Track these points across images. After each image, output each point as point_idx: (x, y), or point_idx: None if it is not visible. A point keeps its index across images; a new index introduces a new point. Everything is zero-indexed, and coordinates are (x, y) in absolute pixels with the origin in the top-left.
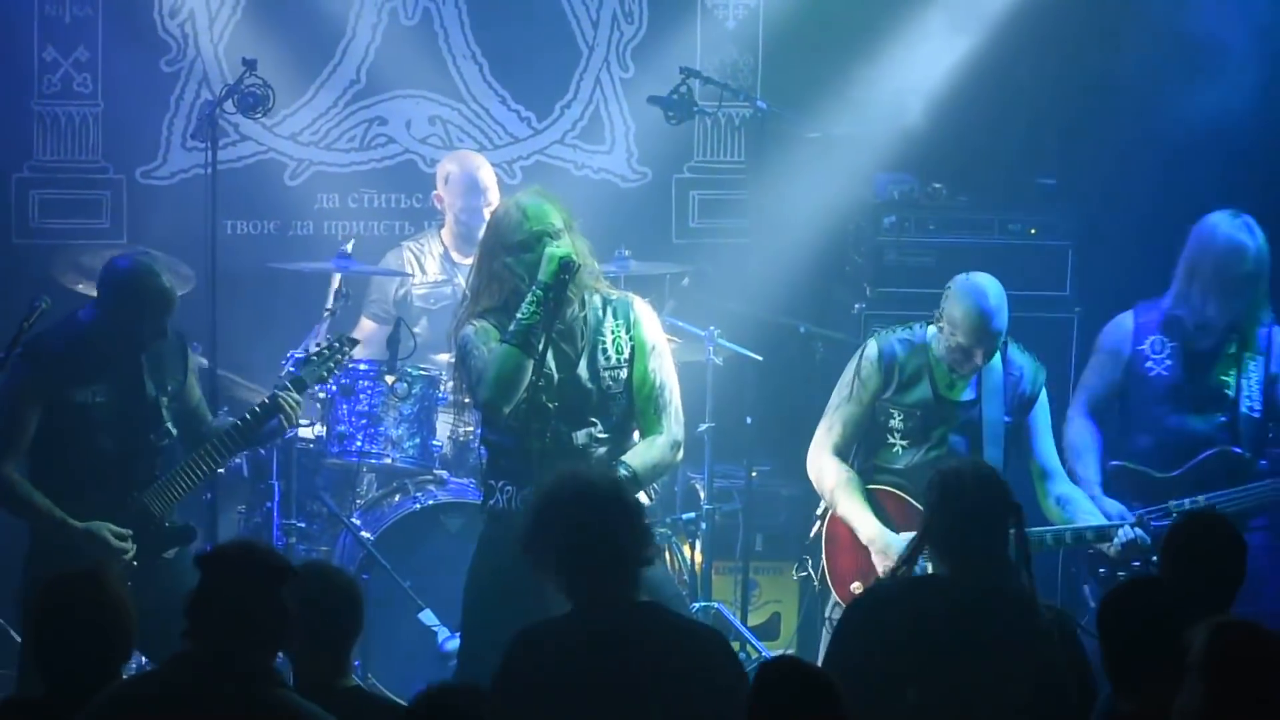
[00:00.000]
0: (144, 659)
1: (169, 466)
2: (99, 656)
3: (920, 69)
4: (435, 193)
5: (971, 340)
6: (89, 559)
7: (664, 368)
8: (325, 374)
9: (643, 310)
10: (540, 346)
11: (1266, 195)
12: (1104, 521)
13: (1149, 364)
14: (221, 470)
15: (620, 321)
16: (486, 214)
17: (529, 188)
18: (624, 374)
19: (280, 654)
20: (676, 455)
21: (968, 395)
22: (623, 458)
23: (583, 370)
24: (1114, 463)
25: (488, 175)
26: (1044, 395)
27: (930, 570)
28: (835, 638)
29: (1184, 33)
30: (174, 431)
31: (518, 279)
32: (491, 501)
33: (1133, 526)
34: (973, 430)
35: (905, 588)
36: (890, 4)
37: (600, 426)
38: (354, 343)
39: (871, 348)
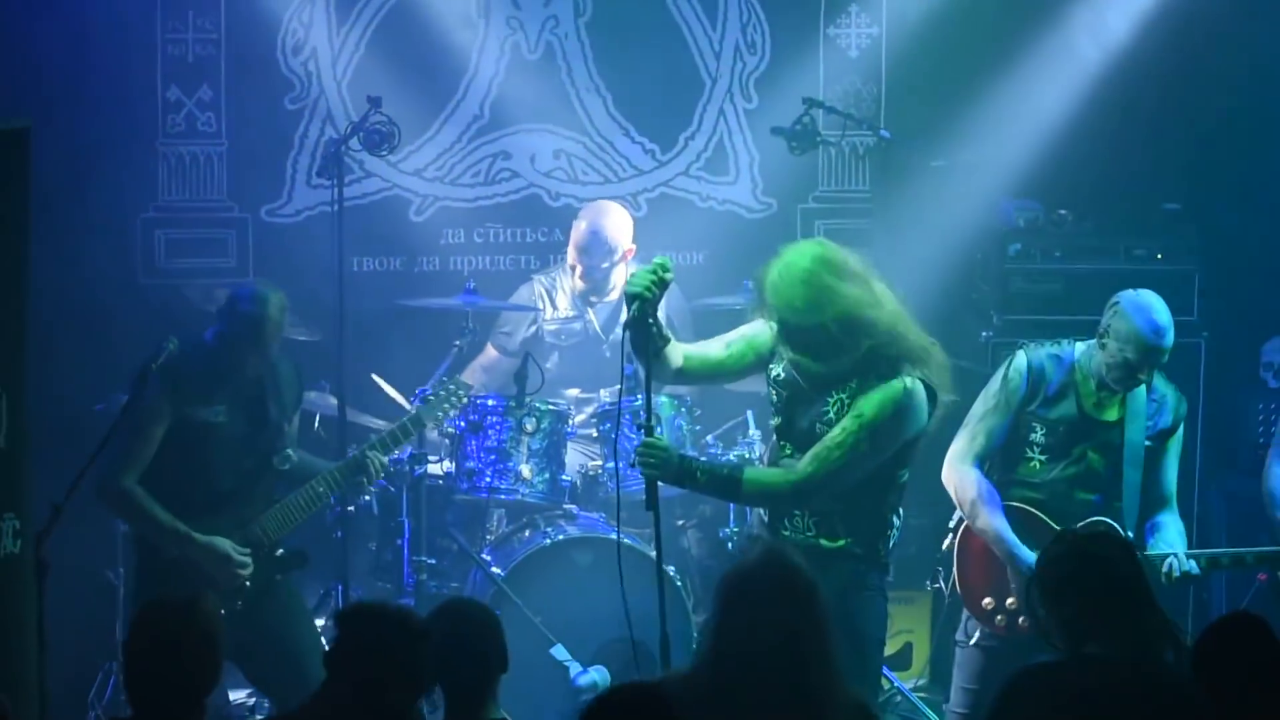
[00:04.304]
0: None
1: (285, 491)
2: (184, 687)
3: (1044, 95)
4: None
5: (1140, 355)
6: (194, 587)
7: (851, 426)
8: (441, 416)
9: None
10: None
11: None
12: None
13: None
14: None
15: (848, 395)
16: (617, 272)
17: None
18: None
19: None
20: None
21: (1112, 416)
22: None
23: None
24: None
25: (616, 229)
26: (1181, 429)
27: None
28: (997, 709)
29: None
30: (294, 457)
31: None
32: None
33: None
34: (1113, 451)
35: (1069, 666)
36: (1013, 31)
37: None
38: (468, 387)
39: (1020, 359)
